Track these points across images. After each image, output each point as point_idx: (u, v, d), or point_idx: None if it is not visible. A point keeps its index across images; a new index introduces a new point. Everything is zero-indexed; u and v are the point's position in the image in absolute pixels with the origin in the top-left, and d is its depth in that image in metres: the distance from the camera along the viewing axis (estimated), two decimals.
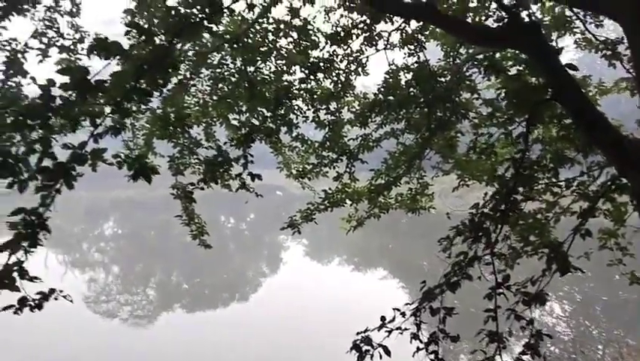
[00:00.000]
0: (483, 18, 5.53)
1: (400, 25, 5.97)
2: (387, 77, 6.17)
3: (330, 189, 6.57)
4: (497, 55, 5.08)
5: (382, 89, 6.11)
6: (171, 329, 11.11)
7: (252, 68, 6.33)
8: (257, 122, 6.17)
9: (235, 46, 5.84)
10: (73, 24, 6.36)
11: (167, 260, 20.30)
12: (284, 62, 6.18)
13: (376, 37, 6.00)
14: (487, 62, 4.87)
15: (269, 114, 5.92)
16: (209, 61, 6.27)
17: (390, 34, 6.08)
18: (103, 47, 2.61)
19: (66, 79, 2.64)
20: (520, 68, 4.00)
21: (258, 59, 6.13)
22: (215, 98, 6.75)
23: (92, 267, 18.31)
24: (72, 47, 6.32)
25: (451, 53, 6.05)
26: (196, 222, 7.15)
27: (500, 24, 3.50)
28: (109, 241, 26.23)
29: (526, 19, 3.85)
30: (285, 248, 23.38)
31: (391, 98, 6.08)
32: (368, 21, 5.73)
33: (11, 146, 2.57)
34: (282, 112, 5.68)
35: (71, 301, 3.24)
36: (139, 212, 40.37)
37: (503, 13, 3.55)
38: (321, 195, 6.66)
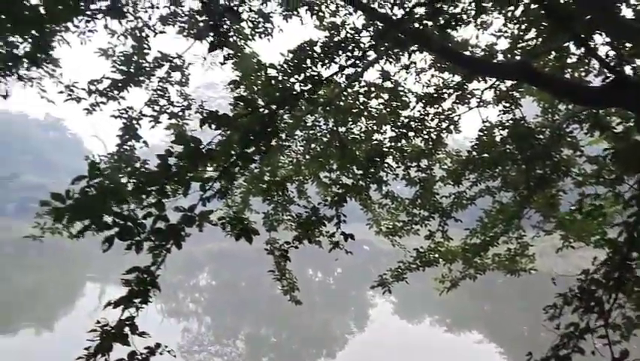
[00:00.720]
0: (583, 74, 5.32)
1: (494, 83, 5.91)
2: (481, 134, 6.07)
3: (421, 247, 6.43)
4: (601, 111, 4.83)
5: (476, 147, 6.00)
6: None
7: (343, 129, 6.54)
8: (347, 180, 6.29)
9: (328, 108, 6.09)
10: (182, 92, 6.97)
11: (256, 313, 20.63)
12: (374, 121, 6.31)
13: (469, 96, 5.97)
14: (590, 119, 4.64)
15: (359, 172, 6.01)
16: (302, 123, 6.57)
17: (483, 92, 6.02)
18: (214, 119, 2.85)
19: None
20: (629, 125, 3.77)
21: (349, 120, 6.33)
22: (307, 157, 7.00)
23: (186, 317, 19.04)
24: (180, 113, 6.90)
25: (550, 110, 5.84)
26: (287, 278, 7.28)
27: (603, 82, 3.35)
28: (203, 292, 27.27)
29: (631, 75, 3.67)
30: (372, 305, 22.87)
31: (486, 155, 5.95)
32: (460, 80, 5.74)
33: (132, 210, 2.82)
34: (373, 170, 5.75)
35: (175, 356, 3.40)
36: (231, 264, 41.74)
37: (605, 70, 3.42)
38: (412, 253, 6.54)
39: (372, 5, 5.21)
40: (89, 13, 5.66)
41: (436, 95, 5.77)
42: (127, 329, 3.00)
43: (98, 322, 2.76)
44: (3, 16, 4.07)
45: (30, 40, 4.76)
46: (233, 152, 3.02)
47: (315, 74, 2.97)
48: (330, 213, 4.65)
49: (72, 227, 5.78)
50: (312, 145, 6.80)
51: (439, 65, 5.74)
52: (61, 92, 6.11)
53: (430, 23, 3.72)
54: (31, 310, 20.00)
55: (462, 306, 20.88)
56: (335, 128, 6.41)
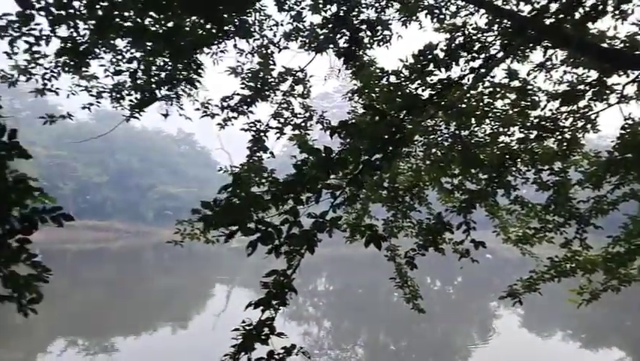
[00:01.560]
0: None
1: (637, 77, 5.34)
2: (624, 132, 5.50)
3: (556, 256, 5.99)
4: None
5: (618, 146, 5.46)
6: None
7: (466, 132, 6.33)
8: (470, 185, 6.07)
9: (449, 112, 5.94)
10: (304, 104, 7.26)
11: (374, 319, 20.64)
12: (500, 123, 6.03)
13: (607, 91, 5.46)
14: None
15: (484, 177, 5.78)
16: (422, 127, 6.48)
17: (624, 87, 5.47)
18: (344, 128, 2.94)
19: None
20: None
21: (473, 122, 6.11)
22: (427, 162, 6.89)
23: (306, 320, 19.63)
24: (303, 123, 7.19)
25: None
26: (409, 286, 7.20)
27: None
28: (321, 297, 27.92)
29: None
30: (497, 316, 21.71)
31: (629, 155, 5.38)
32: (598, 75, 5.27)
33: (271, 217, 3.02)
34: (499, 174, 5.49)
35: (309, 357, 3.53)
36: (347, 269, 42.30)
37: None
38: (545, 262, 6.12)
39: (496, 3, 5.01)
40: (220, 35, 6.16)
41: (570, 93, 5.36)
42: (266, 330, 3.17)
43: (244, 322, 2.96)
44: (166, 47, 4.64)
45: (184, 64, 5.37)
46: (361, 160, 3.09)
47: (445, 77, 2.92)
48: (454, 220, 4.52)
49: (209, 233, 6.30)
50: (433, 150, 6.67)
51: (572, 60, 5.33)
52: (197, 109, 6.72)
53: (565, 17, 3.48)
54: (168, 309, 22.00)
55: (598, 319, 18.96)
56: (457, 132, 6.23)
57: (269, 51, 6.60)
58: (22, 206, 2.31)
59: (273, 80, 6.60)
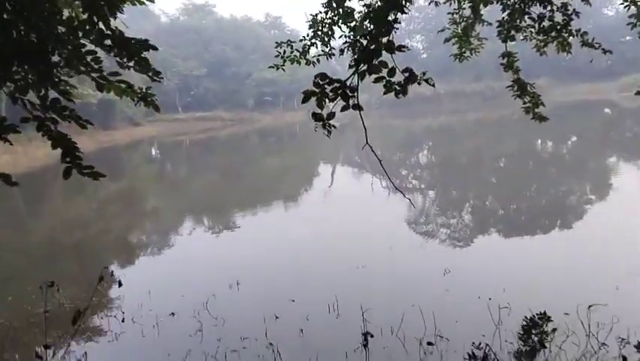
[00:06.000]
0: None
1: None
2: None
3: None
4: None
5: None
6: (489, 251, 11.17)
7: None
8: None
9: None
10: None
11: (480, 186, 20.35)
12: None
13: None
14: None
15: None
16: None
17: None
18: None
19: None
20: None
21: None
22: None
23: (410, 192, 19.86)
24: None
25: None
26: (529, 93, 6.75)
27: None
28: (424, 169, 27.89)
29: None
30: (616, 172, 20.32)
31: None
32: None
33: None
34: None
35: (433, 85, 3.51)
36: (450, 138, 41.39)
37: None
38: None
39: None
40: None
41: None
42: None
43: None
44: None
45: None
46: None
47: None
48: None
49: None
50: None
51: None
52: None
53: None
54: (279, 188, 23.40)
55: None
56: None
57: None
58: None
59: None
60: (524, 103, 6.76)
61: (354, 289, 8.51)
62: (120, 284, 6.87)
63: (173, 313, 7.85)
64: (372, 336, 6.51)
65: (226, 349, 6.47)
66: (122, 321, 7.72)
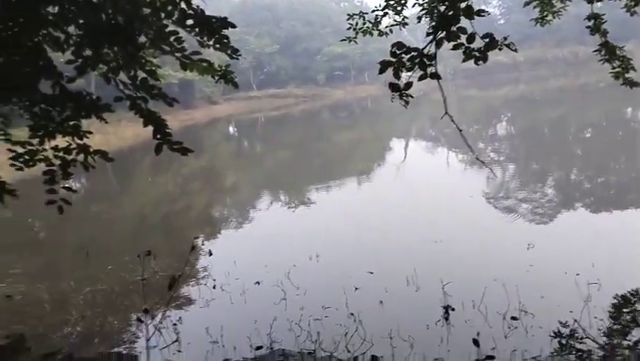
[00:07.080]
0: None
1: None
2: None
3: None
4: None
5: None
6: (575, 226, 10.67)
7: None
8: None
9: None
10: None
11: (564, 158, 19.30)
12: None
13: None
14: None
15: None
16: None
17: None
18: None
19: None
20: None
21: None
22: None
23: (488, 165, 19.22)
24: None
25: None
26: (619, 56, 6.39)
27: None
28: (503, 140, 26.80)
29: None
30: None
31: None
32: None
33: None
34: None
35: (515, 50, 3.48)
36: (530, 108, 39.30)
37: None
38: None
39: None
40: None
41: None
42: None
43: None
44: None
45: None
46: None
47: None
48: None
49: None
50: None
51: None
52: None
53: None
54: (352, 163, 23.51)
55: None
56: None
57: None
58: None
59: None
60: (613, 68, 6.37)
61: (433, 263, 8.50)
62: (210, 253, 7.34)
63: (258, 282, 8.27)
64: (453, 310, 6.53)
65: (309, 317, 6.75)
66: (213, 288, 8.26)
